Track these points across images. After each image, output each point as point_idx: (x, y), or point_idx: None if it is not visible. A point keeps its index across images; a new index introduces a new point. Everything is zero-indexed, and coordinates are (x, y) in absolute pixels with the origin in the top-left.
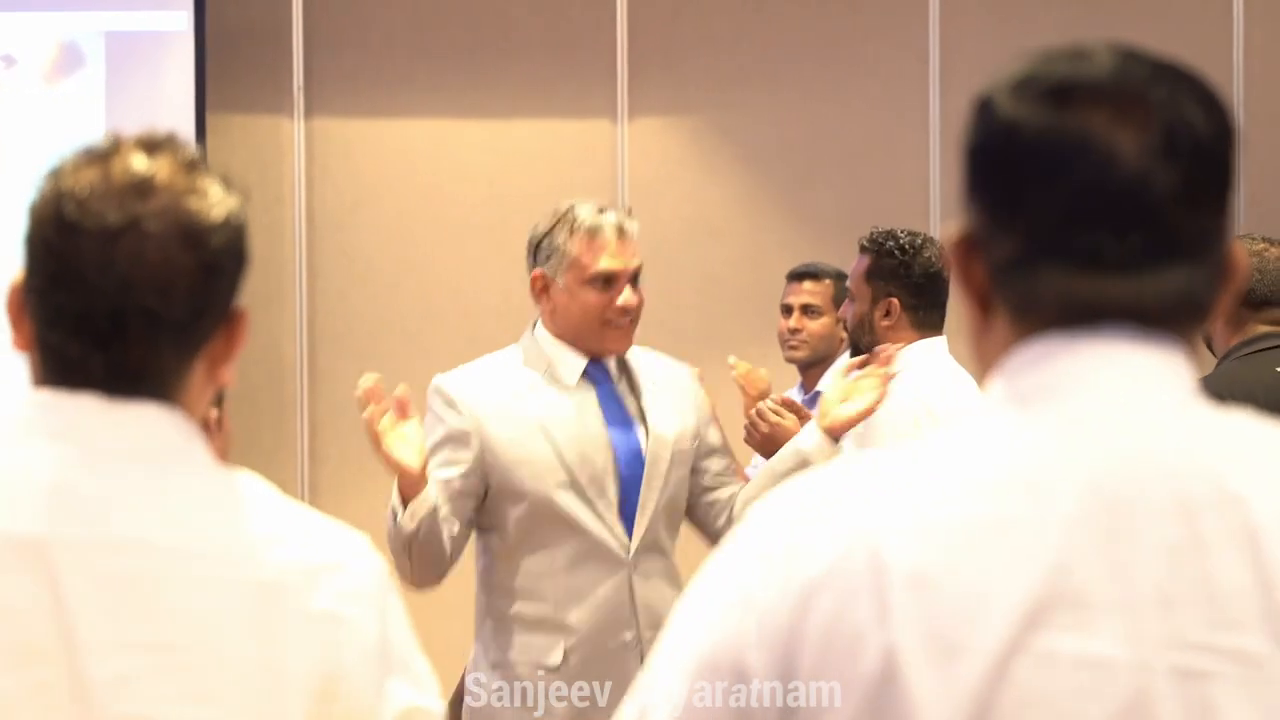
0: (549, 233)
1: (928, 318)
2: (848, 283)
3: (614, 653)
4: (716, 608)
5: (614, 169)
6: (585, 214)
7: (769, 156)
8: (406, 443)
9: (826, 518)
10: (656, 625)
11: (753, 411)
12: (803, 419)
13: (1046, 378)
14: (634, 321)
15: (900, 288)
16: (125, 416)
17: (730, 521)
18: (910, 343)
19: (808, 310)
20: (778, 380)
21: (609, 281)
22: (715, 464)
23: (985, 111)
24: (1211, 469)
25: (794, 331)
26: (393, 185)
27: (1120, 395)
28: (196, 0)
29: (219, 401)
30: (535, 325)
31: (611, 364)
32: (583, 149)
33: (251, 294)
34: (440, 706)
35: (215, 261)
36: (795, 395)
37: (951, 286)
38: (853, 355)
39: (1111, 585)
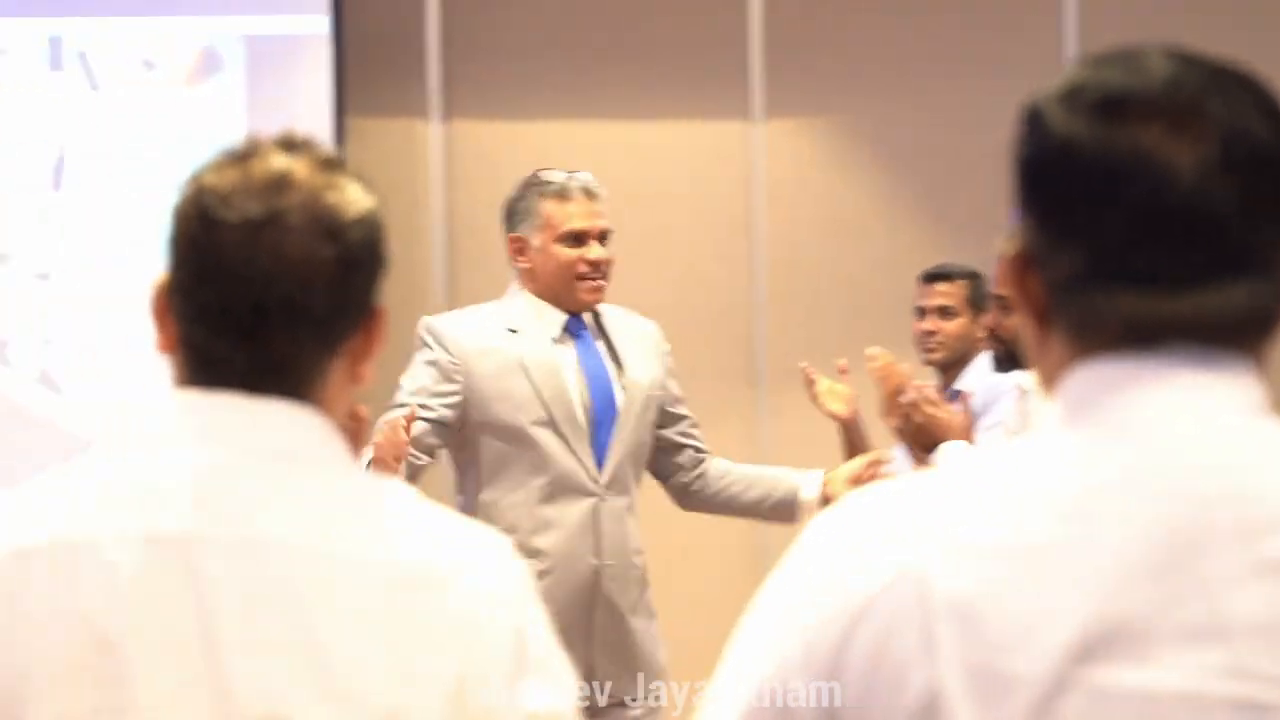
0: (522, 197)
1: None
2: (996, 289)
3: (580, 576)
4: (767, 634)
5: (749, 170)
6: (554, 177)
7: (905, 157)
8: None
9: (875, 542)
10: (618, 553)
11: (905, 401)
12: (945, 413)
13: (1105, 400)
14: (605, 276)
15: None
16: (265, 416)
17: (695, 483)
18: None
19: (943, 312)
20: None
21: (579, 239)
22: (678, 420)
23: (1035, 124)
24: (1274, 492)
25: (930, 334)
26: None
27: (1181, 419)
28: (335, 4)
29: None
30: (513, 287)
31: (588, 319)
32: (717, 150)
33: (392, 298)
34: (572, 707)
35: (353, 256)
36: None
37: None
38: (1001, 362)
39: (1168, 615)
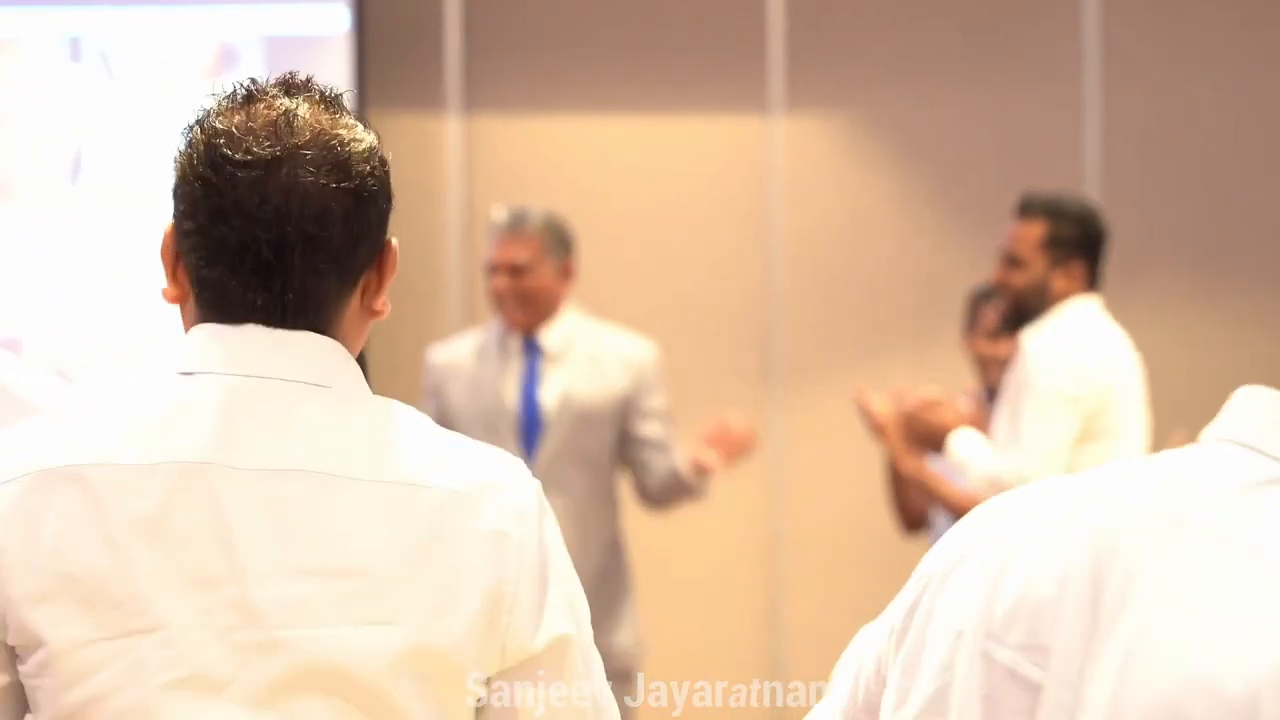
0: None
1: (1097, 280)
2: (1009, 247)
3: None
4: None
5: (766, 164)
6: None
7: (924, 152)
8: None
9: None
10: None
11: (902, 411)
12: (939, 414)
13: None
14: (519, 303)
15: (1084, 251)
16: (288, 346)
17: (641, 493)
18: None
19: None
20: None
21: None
22: (647, 429)
23: None
24: None
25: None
26: (548, 181)
27: None
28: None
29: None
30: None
31: (549, 338)
32: (735, 144)
33: (409, 291)
34: (586, 626)
35: (365, 188)
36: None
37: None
38: (1013, 319)
39: None
